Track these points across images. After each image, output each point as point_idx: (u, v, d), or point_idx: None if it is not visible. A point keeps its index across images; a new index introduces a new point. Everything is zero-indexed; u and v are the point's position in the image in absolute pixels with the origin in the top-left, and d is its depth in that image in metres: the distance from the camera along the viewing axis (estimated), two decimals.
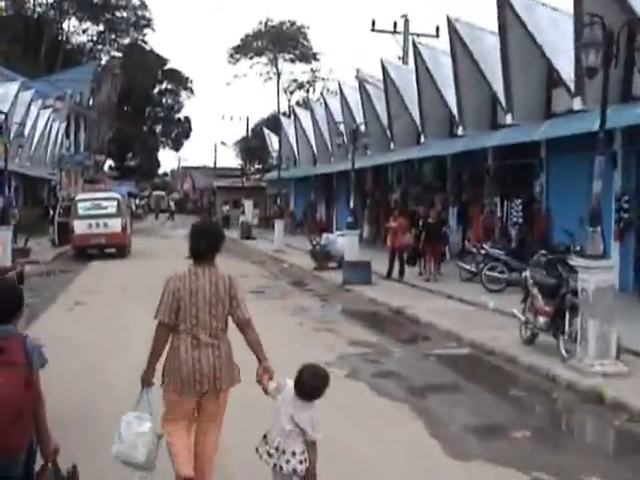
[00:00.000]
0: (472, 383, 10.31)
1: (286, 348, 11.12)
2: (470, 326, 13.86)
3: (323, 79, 77.83)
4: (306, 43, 77.23)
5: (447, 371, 11.07)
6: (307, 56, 77.50)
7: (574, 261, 11.00)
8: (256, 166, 74.29)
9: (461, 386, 10.11)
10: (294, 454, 5.07)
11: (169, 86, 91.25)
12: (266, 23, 76.40)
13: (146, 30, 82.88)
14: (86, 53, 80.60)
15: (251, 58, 78.26)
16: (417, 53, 27.85)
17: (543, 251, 19.30)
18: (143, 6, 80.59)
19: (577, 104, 19.02)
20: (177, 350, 5.63)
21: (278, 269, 27.37)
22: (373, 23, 36.53)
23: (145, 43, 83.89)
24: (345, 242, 23.11)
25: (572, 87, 19.17)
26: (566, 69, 19.59)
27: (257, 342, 5.79)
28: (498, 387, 10.11)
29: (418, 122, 29.70)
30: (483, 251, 19.88)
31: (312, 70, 78.49)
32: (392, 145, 32.83)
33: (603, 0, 17.12)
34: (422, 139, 29.57)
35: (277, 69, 77.89)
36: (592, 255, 10.10)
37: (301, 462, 5.07)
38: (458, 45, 24.32)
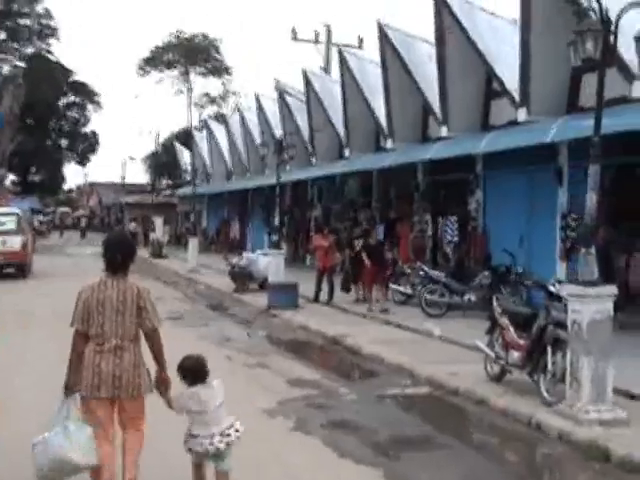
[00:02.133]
0: (445, 434, 8.60)
1: None
2: (421, 359, 12.23)
3: (235, 93, 75.92)
4: (218, 56, 75.24)
5: (411, 418, 9.36)
6: (219, 70, 75.47)
7: (560, 288, 9.42)
8: (166, 182, 71.76)
9: (434, 439, 8.39)
10: (232, 424, 6.03)
11: (75, 99, 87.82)
12: (177, 35, 74.13)
13: (51, 40, 79.56)
14: None
15: (161, 71, 75.80)
16: (343, 61, 26.35)
17: (486, 272, 18.10)
18: (48, 15, 77.30)
19: (522, 115, 17.74)
20: (85, 357, 5.87)
21: (194, 291, 25.36)
22: (294, 32, 35.00)
23: (50, 53, 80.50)
24: (270, 263, 21.27)
25: (516, 97, 17.88)
26: (508, 78, 18.38)
27: (160, 352, 6.07)
28: (478, 440, 8.46)
29: (342, 135, 28.16)
30: (421, 272, 18.35)
31: (224, 84, 76.50)
32: (314, 160, 31.20)
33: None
34: (346, 153, 28.00)
35: (189, 83, 75.61)
36: (586, 282, 8.54)
37: (238, 430, 6.03)
38: (389, 52, 22.91)
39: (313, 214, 33.21)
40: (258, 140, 37.47)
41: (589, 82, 16.97)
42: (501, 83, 18.52)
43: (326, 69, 34.93)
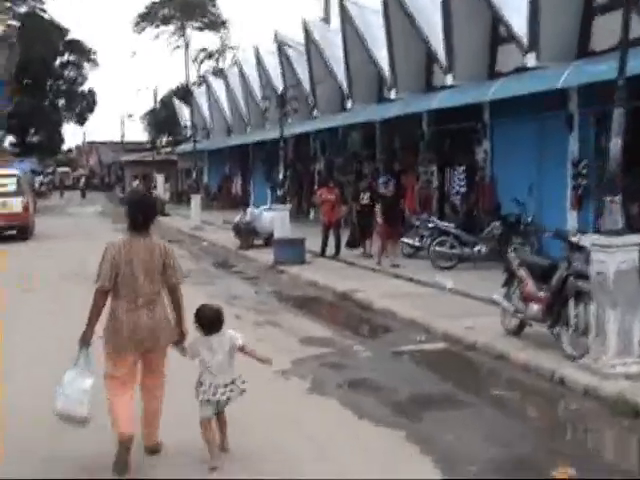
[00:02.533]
0: (465, 392, 8.30)
1: None
2: (435, 313, 11.94)
3: (232, 48, 74.96)
4: (215, 10, 74.20)
5: (428, 375, 9.08)
6: (216, 24, 74.43)
7: (582, 238, 9.06)
8: (166, 139, 71.10)
9: (454, 397, 8.10)
10: (240, 377, 6.26)
11: (71, 58, 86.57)
12: None
13: None
14: None
15: (157, 27, 74.84)
16: (344, 10, 25.68)
17: (496, 223, 17.75)
18: None
19: (531, 61, 17.22)
20: (116, 313, 6.07)
21: (198, 248, 25.05)
22: None
23: (44, 12, 79.30)
24: (275, 218, 20.90)
25: (524, 42, 17.36)
26: (516, 23, 17.83)
27: (181, 306, 6.36)
28: (500, 397, 8.13)
29: (344, 86, 27.59)
30: (431, 224, 18.00)
31: (221, 38, 75.49)
32: (315, 112, 30.65)
33: None
34: (349, 104, 27.46)
35: (185, 38, 74.65)
36: (611, 231, 8.17)
37: (244, 382, 6.29)
38: None
39: (316, 168, 32.75)
40: (258, 94, 36.90)
41: (601, 25, 16.56)
42: (508, 28, 17.95)
43: (326, 19, 34.19)
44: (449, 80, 20.49)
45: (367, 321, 12.56)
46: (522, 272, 9.97)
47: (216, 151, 46.86)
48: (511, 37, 18.35)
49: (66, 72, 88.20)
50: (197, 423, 6.18)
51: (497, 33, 19.85)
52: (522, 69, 18.07)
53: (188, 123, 49.36)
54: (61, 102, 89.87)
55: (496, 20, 19.26)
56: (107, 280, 6.01)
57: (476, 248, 17.30)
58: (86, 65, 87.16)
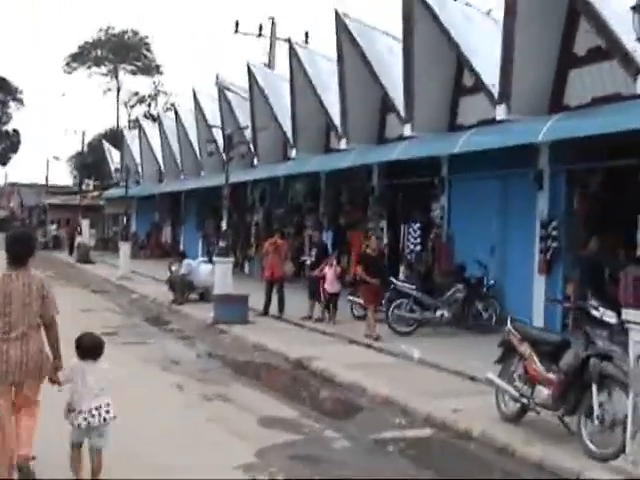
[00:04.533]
0: None
1: (178, 442, 7.40)
2: (410, 390, 10.38)
3: (166, 93, 73.38)
4: (149, 54, 72.66)
5: (424, 474, 7.47)
6: (150, 68, 72.85)
7: (605, 312, 7.64)
8: (93, 183, 68.66)
9: None
10: (108, 405, 6.34)
11: None
12: (107, 30, 71.30)
13: None
14: None
15: (89, 67, 72.92)
16: (293, 54, 24.38)
17: (459, 285, 16.39)
18: None
19: (501, 113, 16.06)
20: None
21: (127, 301, 23.04)
22: (237, 25, 32.93)
23: None
24: (216, 272, 19.14)
25: (494, 93, 16.22)
26: (484, 73, 16.74)
27: (57, 340, 6.51)
28: None
29: (289, 134, 26.18)
30: (392, 285, 16.52)
31: (154, 83, 73.86)
32: (255, 161, 29.12)
33: None
34: (293, 153, 26.02)
35: (117, 81, 72.83)
36: None
37: (109, 411, 6.33)
38: (346, 44, 21.04)
39: (254, 218, 31.15)
40: (194, 140, 35.32)
41: (577, 78, 15.56)
42: (477, 77, 16.81)
43: (269, 65, 32.92)
44: (407, 131, 19.23)
45: (333, 398, 10.82)
46: (525, 348, 8.49)
47: (145, 198, 44.81)
48: (478, 88, 17.30)
49: None
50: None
51: (460, 83, 18.76)
52: (488, 122, 16.96)
53: (117, 167, 47.36)
54: None
55: (461, 69, 18.21)
56: None
57: (438, 312, 15.88)
58: (11, 104, 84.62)
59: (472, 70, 16.90)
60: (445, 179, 19.53)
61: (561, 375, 7.93)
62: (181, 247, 38.63)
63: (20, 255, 6.47)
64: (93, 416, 6.22)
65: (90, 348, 6.41)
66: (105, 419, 6.29)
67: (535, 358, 8.32)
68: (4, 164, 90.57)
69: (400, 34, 19.34)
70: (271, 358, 13.53)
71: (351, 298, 17.88)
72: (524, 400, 8.38)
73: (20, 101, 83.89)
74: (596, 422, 7.34)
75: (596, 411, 7.35)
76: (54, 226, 55.52)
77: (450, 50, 17.70)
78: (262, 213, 30.45)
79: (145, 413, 9.11)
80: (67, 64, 73.76)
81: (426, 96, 18.64)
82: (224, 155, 20.94)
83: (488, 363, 9.96)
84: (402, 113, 19.38)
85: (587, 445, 7.40)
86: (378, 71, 20.38)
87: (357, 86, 21.44)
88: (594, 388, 7.42)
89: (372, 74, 20.46)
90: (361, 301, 17.56)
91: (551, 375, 8.08)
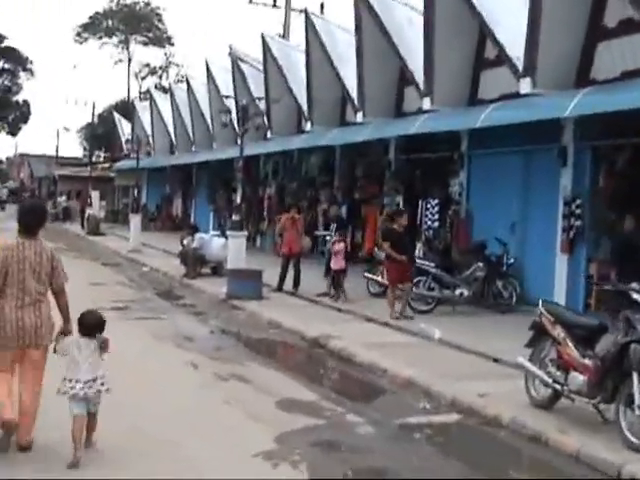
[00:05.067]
0: None
1: (194, 425, 7.06)
2: (433, 371, 9.99)
3: (177, 65, 72.77)
4: (161, 26, 71.94)
5: (454, 464, 7.09)
6: (161, 40, 72.17)
7: None
8: (103, 155, 68.28)
9: None
10: (103, 377, 6.53)
11: (6, 65, 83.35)
12: (118, 1, 70.61)
13: None
14: None
15: (100, 38, 72.27)
16: (309, 24, 23.81)
17: (480, 264, 15.96)
18: None
19: (525, 87, 15.55)
20: (2, 310, 6.44)
21: (138, 274, 22.70)
22: None
23: None
24: (229, 246, 18.73)
25: (519, 66, 15.70)
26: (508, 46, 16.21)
27: (66, 306, 6.78)
28: None
29: (304, 107, 25.68)
30: None
31: (166, 55, 73.21)
32: (269, 133, 28.61)
33: None
34: (308, 126, 25.52)
35: (128, 52, 72.21)
36: None
37: (103, 383, 6.52)
38: (364, 13, 20.47)
39: (266, 192, 30.68)
40: (207, 112, 34.81)
41: (606, 51, 15.03)
42: (501, 50, 16.28)
43: (284, 36, 32.32)
44: (426, 104, 18.72)
45: (354, 379, 10.46)
46: (559, 332, 8.07)
47: (156, 170, 44.33)
48: (501, 60, 16.73)
49: (0, 80, 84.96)
50: (67, 425, 6.37)
51: (482, 56, 18.22)
52: (510, 96, 16.44)
53: (128, 138, 46.90)
54: None
55: (484, 41, 17.68)
56: None
57: (458, 291, 15.47)
58: (22, 74, 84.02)
59: (495, 42, 16.33)
60: (465, 154, 19.04)
61: (597, 361, 7.53)
62: (192, 220, 38.34)
63: (32, 225, 6.68)
64: (90, 387, 6.42)
65: (92, 326, 6.59)
66: (99, 391, 6.51)
67: (569, 342, 7.91)
68: (14, 135, 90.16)
69: (420, 5, 18.85)
70: (287, 336, 13.16)
71: (368, 275, 17.51)
72: (557, 386, 7.98)
73: (30, 71, 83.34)
74: (637, 412, 6.94)
75: (637, 400, 6.94)
76: (64, 197, 55.15)
77: (472, 20, 17.16)
78: (275, 187, 29.96)
79: (159, 391, 8.80)
80: (78, 34, 73.15)
81: (446, 69, 18.12)
82: (238, 127, 20.39)
83: (512, 344, 9.68)
84: (421, 86, 18.87)
85: (626, 436, 7.00)
86: (397, 42, 19.84)
87: (375, 58, 20.89)
88: (635, 376, 7.01)
89: (391, 45, 19.92)
90: (379, 278, 17.25)
91: (587, 361, 7.67)
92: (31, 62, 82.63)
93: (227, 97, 27.71)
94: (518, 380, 8.75)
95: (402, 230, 15.09)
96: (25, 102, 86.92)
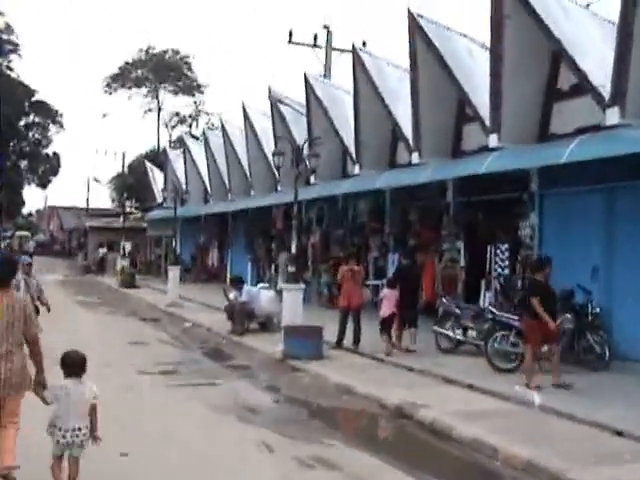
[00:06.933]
0: None
1: None
2: (554, 450, 8.32)
3: (207, 113, 72.09)
4: (190, 74, 71.44)
5: None
6: (191, 88, 71.62)
7: None
8: (133, 204, 67.37)
9: None
10: (87, 427, 6.60)
11: (37, 119, 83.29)
12: (147, 50, 70.27)
13: (12, 56, 75.10)
14: None
15: (129, 88, 71.87)
16: (357, 61, 22.50)
17: (568, 315, 14.29)
18: (9, 30, 72.87)
19: (612, 118, 14.05)
20: None
21: (180, 330, 21.19)
22: (290, 35, 31.21)
23: (11, 70, 76.06)
24: (286, 300, 17.18)
25: (605, 95, 14.22)
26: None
27: (40, 356, 6.86)
28: None
29: (350, 148, 24.30)
30: (489, 315, 14.51)
31: (195, 103, 72.59)
32: (312, 178, 27.21)
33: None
34: (356, 169, 24.14)
35: (158, 101, 71.69)
36: None
37: (86, 433, 6.61)
38: (421, 47, 19.11)
39: (310, 240, 29.20)
40: (243, 157, 33.61)
41: None
42: (583, 77, 14.80)
43: (325, 76, 31.11)
44: (493, 142, 17.27)
45: (461, 462, 8.67)
46: None
47: (189, 219, 43.09)
48: (580, 90, 15.34)
49: (31, 133, 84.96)
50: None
51: (553, 87, 16.77)
52: (590, 128, 14.96)
53: (161, 187, 45.78)
54: (23, 164, 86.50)
55: (556, 70, 16.27)
56: None
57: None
58: (52, 127, 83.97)
59: (577, 69, 14.83)
60: (535, 194, 17.49)
61: None
62: (228, 271, 37.01)
63: (4, 277, 6.87)
64: (77, 436, 6.53)
65: (75, 364, 6.66)
66: (85, 439, 6.60)
67: None
68: (44, 187, 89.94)
69: (480, 36, 17.56)
70: (363, 404, 11.46)
71: (438, 329, 15.94)
72: None
73: (60, 124, 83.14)
74: None
75: None
76: (103, 249, 53.95)
77: (544, 49, 15.77)
78: (319, 234, 28.48)
79: None
80: (107, 85, 72.86)
81: (516, 102, 16.69)
82: (293, 168, 18.93)
83: (629, 411, 8.04)
84: (486, 122, 17.42)
85: None
86: (457, 76, 18.45)
87: (431, 94, 19.54)
88: None
89: (450, 79, 18.51)
90: (450, 333, 15.71)
91: None
92: (61, 115, 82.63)
93: (279, 138, 26.36)
94: None
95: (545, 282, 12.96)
96: (55, 155, 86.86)
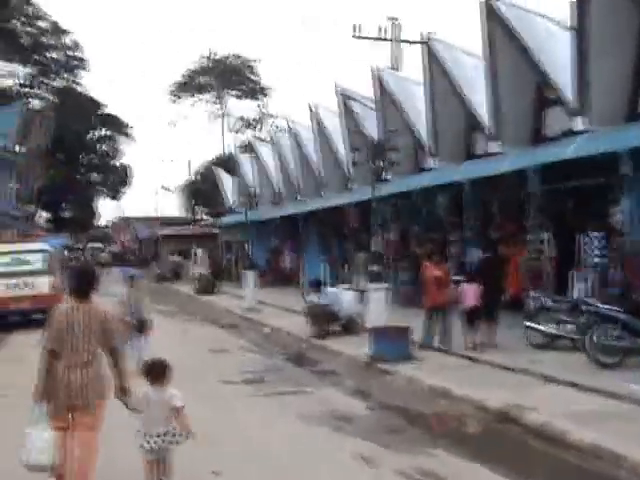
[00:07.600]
0: None
1: None
2: None
3: (272, 116, 71.99)
4: (254, 77, 71.45)
5: None
6: (255, 91, 71.60)
7: None
8: (204, 211, 67.62)
9: None
10: (175, 429, 6.74)
11: (106, 132, 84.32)
12: (209, 57, 70.55)
13: (80, 72, 76.20)
14: (14, 97, 73.27)
15: (193, 95, 72.24)
16: (431, 52, 21.75)
17: None
18: (76, 46, 73.89)
19: None
20: (54, 372, 6.58)
21: (261, 336, 20.73)
22: (355, 29, 30.45)
23: (79, 85, 77.13)
24: (370, 300, 16.53)
25: None
26: None
27: (124, 370, 6.88)
28: None
29: (425, 141, 23.56)
30: (590, 307, 13.65)
31: (259, 106, 72.56)
32: (384, 174, 26.44)
33: None
34: (431, 162, 23.39)
35: (222, 106, 71.87)
36: None
37: (175, 435, 6.74)
38: (499, 31, 18.32)
39: (385, 238, 28.44)
40: (314, 157, 33.10)
41: None
42: None
43: (394, 68, 30.34)
44: (579, 125, 16.39)
45: (584, 472, 7.87)
46: None
47: (261, 223, 42.78)
48: None
49: (100, 146, 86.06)
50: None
51: None
52: None
53: (230, 193, 45.61)
54: (95, 176, 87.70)
55: None
56: (53, 343, 6.60)
57: None
58: (121, 139, 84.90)
59: None
60: (627, 178, 16.51)
61: None
62: (303, 273, 36.52)
63: (82, 289, 6.87)
64: (162, 441, 6.67)
65: (154, 375, 6.79)
66: (171, 442, 6.72)
67: None
68: (116, 198, 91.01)
69: (559, 15, 16.69)
70: (462, 408, 10.76)
71: (530, 324, 15.12)
72: None
73: (129, 136, 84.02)
74: None
75: None
76: (175, 257, 54.03)
77: (633, 24, 14.86)
78: (395, 231, 27.72)
79: None
80: (172, 93, 73.36)
81: (603, 82, 15.81)
82: (370, 164, 18.34)
83: None
84: (571, 104, 16.54)
85: None
86: (537, 58, 17.59)
87: (510, 79, 18.78)
88: None
89: (530, 62, 17.66)
90: (543, 328, 14.90)
91: None
92: (130, 127, 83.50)
93: (356, 132, 25.81)
94: None
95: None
96: (124, 166, 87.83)
